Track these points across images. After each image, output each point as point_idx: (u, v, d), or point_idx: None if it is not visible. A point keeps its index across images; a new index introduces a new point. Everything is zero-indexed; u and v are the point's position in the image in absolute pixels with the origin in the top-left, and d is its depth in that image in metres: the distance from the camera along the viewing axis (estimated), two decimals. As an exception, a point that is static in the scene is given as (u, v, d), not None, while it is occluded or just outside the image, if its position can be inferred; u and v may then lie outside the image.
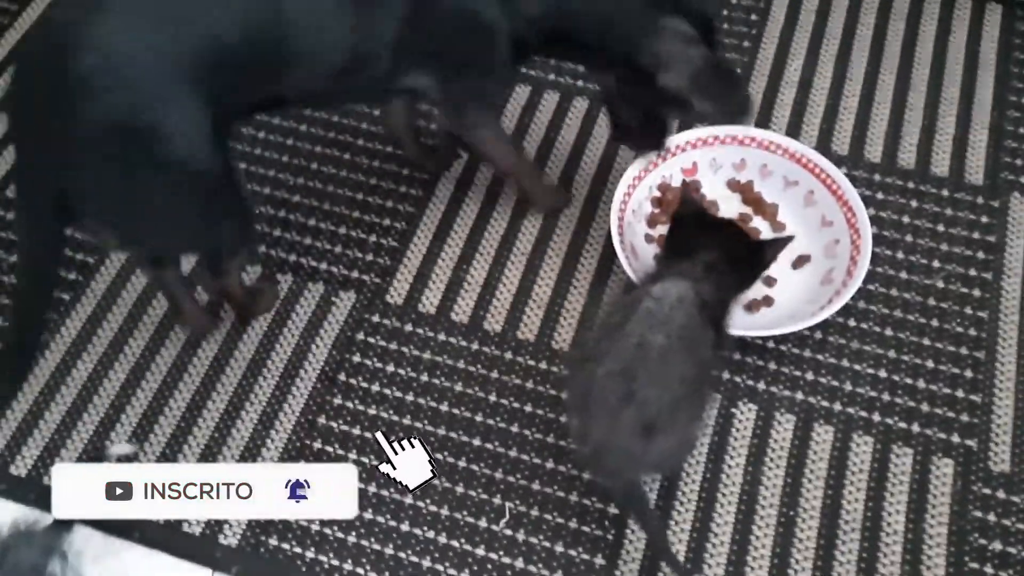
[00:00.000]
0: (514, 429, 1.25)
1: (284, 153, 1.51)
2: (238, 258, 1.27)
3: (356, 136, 1.53)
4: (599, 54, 1.22)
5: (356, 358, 1.32)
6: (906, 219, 1.42)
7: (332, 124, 1.54)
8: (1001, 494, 1.19)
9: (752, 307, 1.32)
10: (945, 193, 1.44)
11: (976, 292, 1.35)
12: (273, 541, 1.18)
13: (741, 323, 1.29)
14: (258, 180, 1.49)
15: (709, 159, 1.43)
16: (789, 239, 1.19)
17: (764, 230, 1.39)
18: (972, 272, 1.37)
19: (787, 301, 1.32)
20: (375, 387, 1.29)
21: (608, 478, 1.11)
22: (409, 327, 1.34)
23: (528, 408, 1.27)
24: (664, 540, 1.15)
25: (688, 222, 1.18)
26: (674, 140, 1.40)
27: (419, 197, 1.47)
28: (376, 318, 1.35)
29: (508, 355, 1.31)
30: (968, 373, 1.28)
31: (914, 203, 1.43)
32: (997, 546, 1.15)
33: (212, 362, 1.32)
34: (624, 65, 1.19)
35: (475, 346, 1.32)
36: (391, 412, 1.27)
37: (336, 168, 1.50)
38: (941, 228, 1.41)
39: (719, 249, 1.13)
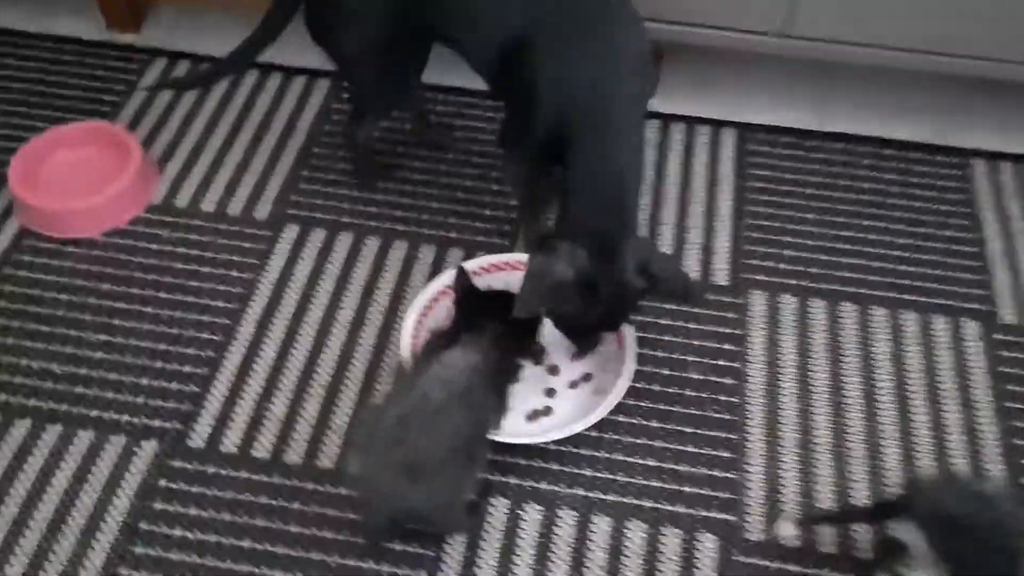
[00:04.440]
0: (314, 556, 1.31)
1: (85, 312, 1.57)
2: (368, 118, 1.68)
3: (157, 288, 1.61)
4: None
5: (158, 505, 1.36)
6: (664, 321, 1.60)
7: (131, 279, 1.62)
8: (757, 559, 1.33)
9: (533, 416, 1.45)
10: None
11: (728, 380, 1.53)
12: None
13: (524, 431, 1.42)
14: (59, 339, 1.54)
15: (502, 283, 1.58)
16: None
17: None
18: (722, 362, 1.55)
19: (566, 411, 1.46)
20: (177, 532, 1.33)
21: (373, 509, 1.26)
22: (212, 469, 1.40)
23: (329, 535, 1.33)
24: None
25: (469, 301, 1.37)
26: (474, 263, 1.55)
27: (220, 342, 1.55)
28: (178, 463, 1.40)
29: (309, 485, 1.39)
30: (724, 454, 1.44)
31: (667, 307, 1.62)
32: (756, 609, 1.29)
33: (11, 525, 1.33)
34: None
35: (276, 480, 1.39)
36: (194, 555, 1.31)
37: (137, 321, 1.57)
38: (693, 326, 1.60)
39: (500, 319, 1.32)
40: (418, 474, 1.18)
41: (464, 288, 1.39)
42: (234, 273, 1.65)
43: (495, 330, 1.32)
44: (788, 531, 1.35)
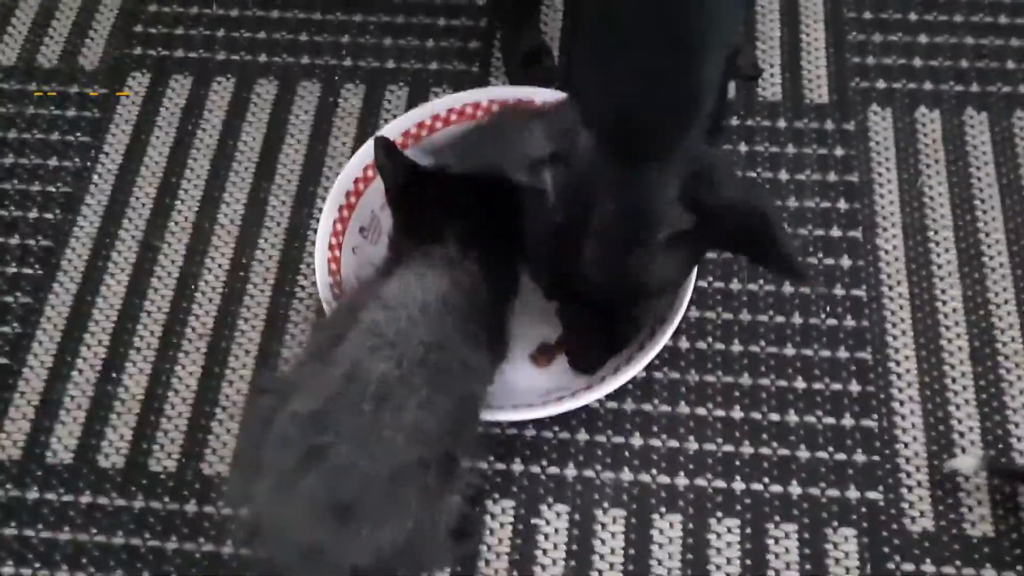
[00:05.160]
0: (208, 628, 0.81)
1: None
2: None
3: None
4: None
5: (-48, 565, 0.85)
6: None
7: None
8: (929, 567, 0.82)
9: (542, 357, 0.89)
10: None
11: (847, 260, 0.96)
12: None
13: (525, 385, 0.87)
14: None
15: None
16: None
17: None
18: (836, 229, 0.98)
19: (590, 338, 0.90)
20: (-16, 608, 0.83)
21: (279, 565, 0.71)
22: (34, 493, 0.87)
23: (228, 585, 0.83)
24: None
25: (413, 190, 0.80)
26: (416, 114, 0.95)
27: (36, 278, 0.98)
28: (-19, 490, 0.88)
29: (191, 506, 0.86)
30: (855, 386, 0.89)
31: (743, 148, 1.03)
32: (936, 651, 0.79)
33: None
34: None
35: (138, 503, 0.86)
36: (11, 647, 0.81)
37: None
38: (784, 174, 1.01)
39: (477, 208, 0.77)
40: (355, 512, 0.65)
41: (397, 169, 0.80)
42: (53, 162, 1.05)
43: (465, 231, 0.76)
44: (968, 466, 0.82)
